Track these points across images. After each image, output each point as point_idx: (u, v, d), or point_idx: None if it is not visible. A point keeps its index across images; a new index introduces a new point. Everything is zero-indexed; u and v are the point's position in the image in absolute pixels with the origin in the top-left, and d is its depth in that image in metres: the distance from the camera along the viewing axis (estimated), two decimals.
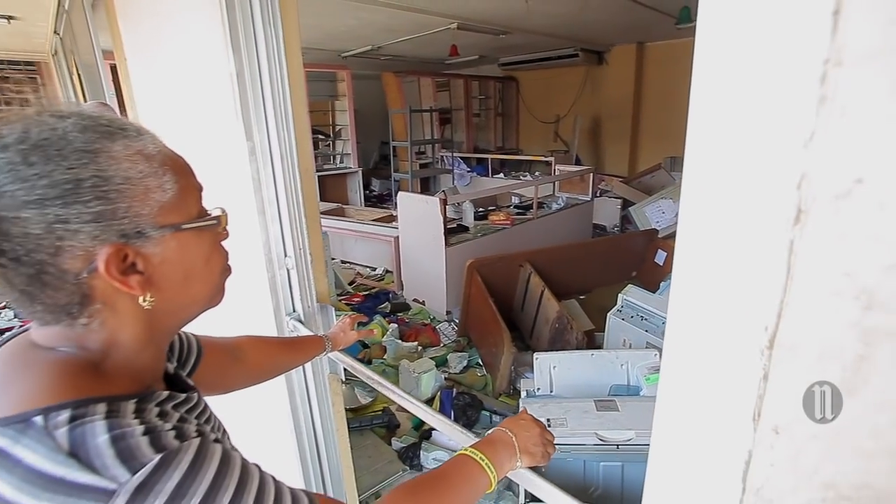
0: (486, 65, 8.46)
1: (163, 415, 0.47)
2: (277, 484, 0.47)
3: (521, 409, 1.85)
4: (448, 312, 3.77)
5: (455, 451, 2.37)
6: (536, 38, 6.00)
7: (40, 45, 5.55)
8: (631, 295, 2.43)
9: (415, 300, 4.02)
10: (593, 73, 7.63)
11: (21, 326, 0.58)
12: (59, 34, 4.64)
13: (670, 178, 5.86)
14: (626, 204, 5.56)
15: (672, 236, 4.58)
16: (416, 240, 3.90)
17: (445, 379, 2.91)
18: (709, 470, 0.47)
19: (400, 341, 3.26)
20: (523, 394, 1.89)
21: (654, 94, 7.12)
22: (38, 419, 0.40)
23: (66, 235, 0.42)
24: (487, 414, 2.54)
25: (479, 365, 3.11)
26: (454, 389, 2.78)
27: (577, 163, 7.22)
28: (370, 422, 2.52)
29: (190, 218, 0.51)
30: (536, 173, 7.08)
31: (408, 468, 2.23)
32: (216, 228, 0.54)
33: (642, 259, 3.81)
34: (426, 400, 2.69)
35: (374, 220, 5.08)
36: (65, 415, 0.41)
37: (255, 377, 0.91)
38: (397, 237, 4.18)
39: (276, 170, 1.22)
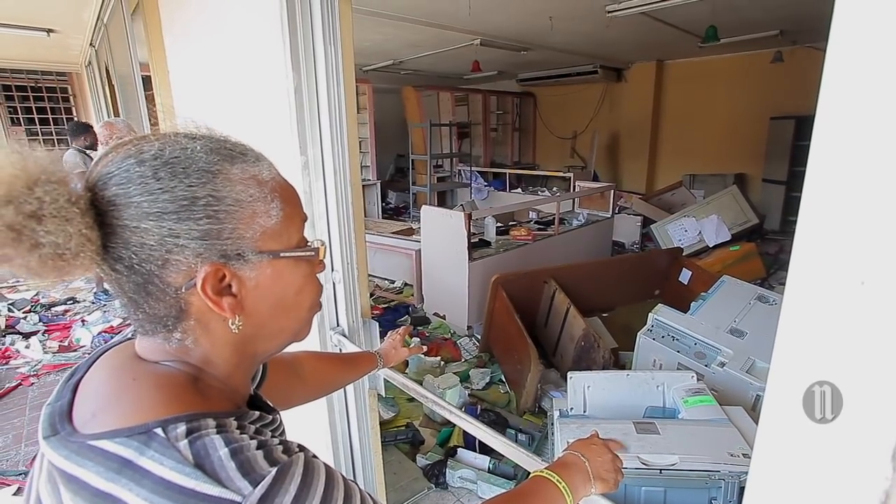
0: (505, 80, 8.54)
1: (258, 433, 0.47)
2: (375, 500, 0.48)
3: (555, 427, 1.82)
4: (469, 327, 3.75)
5: (480, 471, 2.29)
6: (557, 54, 6.06)
7: (75, 56, 5.73)
8: (662, 314, 2.40)
9: (435, 314, 4.01)
10: (611, 90, 7.67)
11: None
12: (94, 46, 4.80)
13: (691, 195, 5.82)
14: (646, 221, 5.52)
15: (695, 255, 4.53)
16: (439, 253, 3.89)
17: (468, 395, 2.88)
18: (847, 464, 0.45)
19: (423, 356, 3.24)
20: (556, 413, 1.86)
21: (674, 112, 7.13)
22: (159, 430, 0.41)
23: (174, 249, 0.44)
24: (513, 432, 2.50)
25: (502, 381, 3.07)
26: (478, 406, 2.75)
27: (595, 179, 7.23)
28: (394, 437, 2.49)
29: (289, 247, 0.51)
30: (554, 189, 7.08)
31: (433, 486, 2.20)
32: (313, 260, 0.54)
33: (666, 277, 3.77)
34: None
35: (393, 233, 5.11)
36: (182, 427, 0.41)
37: (313, 394, 0.91)
38: (418, 250, 4.19)
39: (327, 184, 1.23)
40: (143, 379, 0.47)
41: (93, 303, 4.49)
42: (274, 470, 0.40)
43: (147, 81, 3.19)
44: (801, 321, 0.46)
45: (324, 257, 0.56)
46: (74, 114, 7.52)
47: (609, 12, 4.07)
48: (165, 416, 0.42)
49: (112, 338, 3.70)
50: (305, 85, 1.15)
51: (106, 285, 0.49)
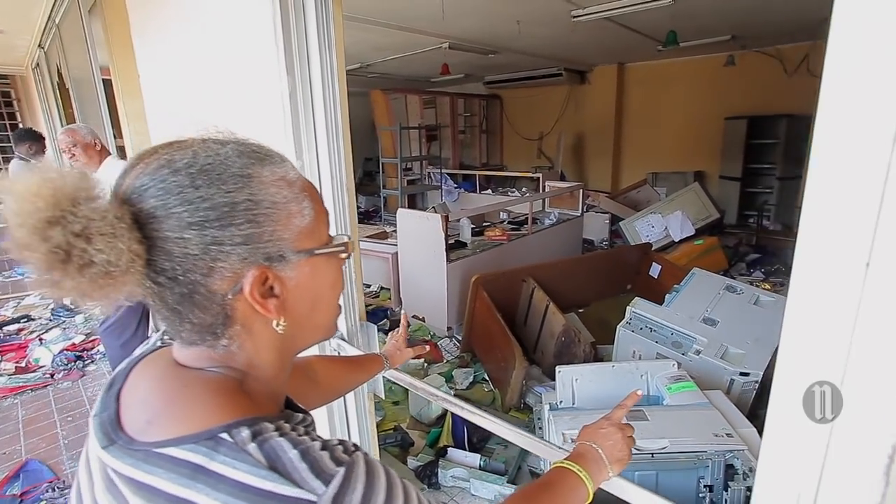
0: (471, 83, 8.63)
1: (306, 434, 0.47)
2: (427, 496, 0.50)
3: (548, 420, 1.87)
4: (449, 328, 3.77)
5: (471, 468, 2.32)
6: (523, 57, 6.18)
7: (20, 58, 5.40)
8: (639, 307, 2.50)
9: (414, 316, 4.01)
10: (576, 92, 7.88)
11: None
12: (43, 48, 4.53)
13: (655, 193, 6.06)
14: (613, 218, 5.71)
15: (662, 249, 4.73)
16: (416, 256, 3.90)
17: (453, 395, 2.90)
18: (847, 464, 0.49)
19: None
20: (546, 407, 1.91)
21: (635, 113, 7.40)
22: (225, 435, 0.41)
23: (219, 257, 0.44)
24: None
25: (486, 380, 3.11)
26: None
27: (562, 178, 7.41)
28: (383, 441, 2.48)
29: (322, 243, 0.52)
30: (524, 189, 7.21)
31: (426, 487, 2.21)
32: (340, 255, 0.55)
33: (637, 272, 3.91)
34: (437, 417, 2.68)
35: (367, 237, 5.07)
36: (246, 431, 0.41)
37: (326, 397, 0.91)
38: (395, 253, 4.18)
39: (323, 188, 1.23)
40: (193, 386, 0.47)
41: (50, 320, 4.24)
42: (342, 469, 0.41)
43: (108, 85, 3.05)
44: (805, 322, 0.49)
45: (352, 251, 0.57)
46: (19, 119, 7.08)
47: (574, 17, 4.20)
48: (227, 420, 0.42)
49: (75, 356, 3.51)
50: (300, 89, 1.15)
51: (144, 300, 0.47)
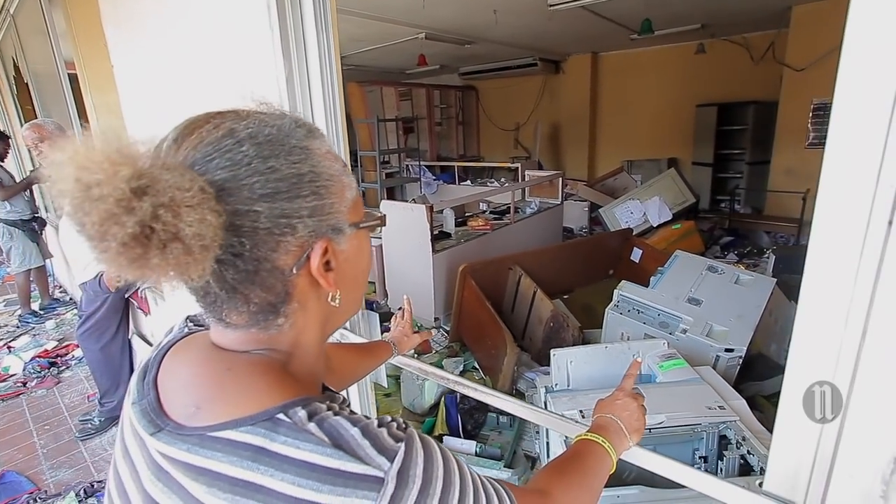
0: (446, 74, 8.59)
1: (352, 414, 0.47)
2: (471, 469, 0.50)
3: (546, 403, 1.90)
4: (436, 319, 3.78)
5: (468, 455, 2.33)
6: (498, 47, 6.19)
7: None
8: (626, 290, 2.55)
9: (400, 308, 3.99)
10: (551, 82, 7.94)
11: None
12: None
13: (632, 180, 6.19)
14: (592, 206, 5.81)
15: (641, 235, 4.84)
16: (401, 248, 3.88)
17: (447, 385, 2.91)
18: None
19: None
20: (542, 390, 1.94)
21: (609, 101, 7.52)
22: (282, 416, 0.40)
23: (286, 230, 0.42)
24: (494, 416, 2.57)
25: (476, 368, 3.14)
26: (456, 394, 2.79)
27: (540, 168, 7.48)
28: None
29: (362, 217, 0.51)
30: (502, 179, 7.25)
31: None
32: (377, 229, 0.55)
33: (619, 257, 4.00)
34: (430, 406, 2.69)
35: None
36: (302, 411, 0.41)
37: (341, 385, 0.90)
38: (379, 246, 4.15)
39: None
40: (240, 368, 0.46)
41: (17, 326, 4.05)
42: (402, 444, 0.41)
43: (74, 79, 2.91)
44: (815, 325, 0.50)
45: (385, 225, 0.56)
46: None
47: (551, 6, 4.22)
48: (281, 401, 0.41)
49: (48, 363, 3.36)
50: (297, 73, 1.12)
51: (181, 286, 0.43)
